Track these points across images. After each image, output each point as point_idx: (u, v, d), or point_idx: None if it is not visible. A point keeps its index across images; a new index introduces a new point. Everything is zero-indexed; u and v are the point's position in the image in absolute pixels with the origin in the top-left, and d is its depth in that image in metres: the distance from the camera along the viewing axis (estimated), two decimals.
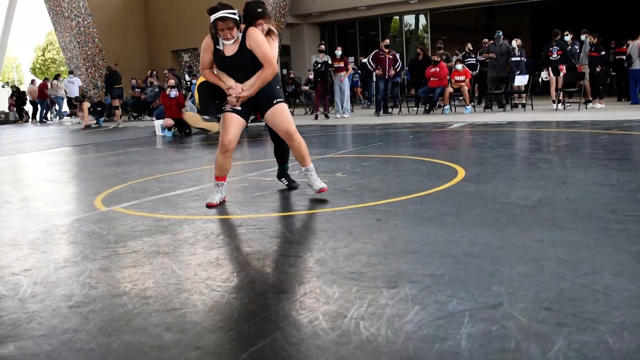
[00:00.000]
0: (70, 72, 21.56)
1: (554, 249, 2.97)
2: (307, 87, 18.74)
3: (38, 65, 55.33)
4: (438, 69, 14.44)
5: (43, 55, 55.67)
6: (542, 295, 2.36)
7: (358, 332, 2.11)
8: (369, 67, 14.98)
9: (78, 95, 20.10)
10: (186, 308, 2.46)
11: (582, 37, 14.05)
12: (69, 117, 22.79)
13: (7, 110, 24.80)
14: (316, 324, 2.21)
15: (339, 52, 14.91)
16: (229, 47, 4.49)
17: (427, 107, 15.00)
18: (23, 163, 9.20)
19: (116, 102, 19.40)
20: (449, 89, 14.34)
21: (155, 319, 2.36)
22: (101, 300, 2.63)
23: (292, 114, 15.92)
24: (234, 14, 4.36)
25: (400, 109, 15.95)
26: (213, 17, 4.36)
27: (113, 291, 2.76)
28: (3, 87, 38.25)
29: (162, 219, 4.25)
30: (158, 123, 13.27)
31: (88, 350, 2.11)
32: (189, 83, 18.47)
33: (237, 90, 4.49)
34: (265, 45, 4.44)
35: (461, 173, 5.37)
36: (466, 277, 2.63)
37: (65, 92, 20.36)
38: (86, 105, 17.90)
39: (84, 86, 22.44)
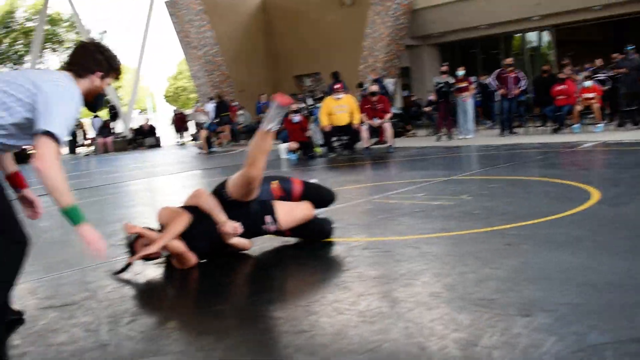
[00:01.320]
0: (211, 99, 22.63)
1: None
2: (429, 108, 18.57)
3: (170, 94, 58.43)
4: (565, 86, 13.89)
5: (174, 83, 58.73)
6: None
7: None
8: (493, 86, 14.65)
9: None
10: (315, 330, 2.48)
11: None
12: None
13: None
14: (446, 352, 2.16)
15: (461, 72, 14.69)
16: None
17: (556, 126, 14.43)
18: (158, 186, 9.73)
19: (224, 129, 20.64)
20: (578, 107, 13.73)
21: (285, 340, 2.40)
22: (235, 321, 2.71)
23: (414, 136, 15.47)
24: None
25: (526, 129, 15.44)
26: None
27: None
28: (140, 113, 41.81)
29: (286, 241, 4.33)
30: (282, 146, 13.61)
31: None
32: (311, 107, 18.85)
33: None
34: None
35: (595, 195, 5.09)
36: (606, 307, 2.48)
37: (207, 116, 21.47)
38: (204, 133, 18.53)
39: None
